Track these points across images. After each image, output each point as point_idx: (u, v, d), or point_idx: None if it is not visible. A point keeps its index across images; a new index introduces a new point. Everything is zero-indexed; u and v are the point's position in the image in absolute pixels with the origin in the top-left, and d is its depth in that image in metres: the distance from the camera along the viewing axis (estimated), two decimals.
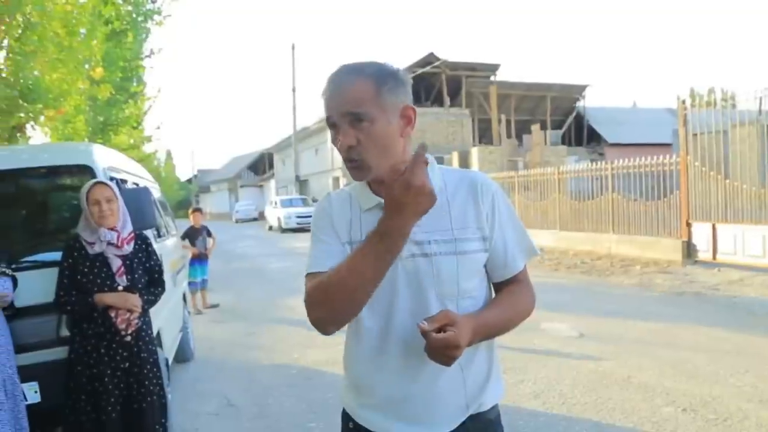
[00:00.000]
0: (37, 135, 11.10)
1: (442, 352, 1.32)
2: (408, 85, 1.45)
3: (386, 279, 1.44)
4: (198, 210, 9.66)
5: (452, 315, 1.35)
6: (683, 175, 11.45)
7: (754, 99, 10.42)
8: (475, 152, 23.16)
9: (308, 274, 1.47)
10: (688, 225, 11.33)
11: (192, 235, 9.04)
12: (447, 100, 31.80)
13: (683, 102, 11.54)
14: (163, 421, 3.44)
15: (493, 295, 1.60)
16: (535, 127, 23.82)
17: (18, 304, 3.32)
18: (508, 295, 1.56)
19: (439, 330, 1.31)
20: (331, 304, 1.38)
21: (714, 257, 10.78)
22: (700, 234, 11.11)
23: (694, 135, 11.30)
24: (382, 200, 1.45)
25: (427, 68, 29.68)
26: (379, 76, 1.40)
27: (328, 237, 1.50)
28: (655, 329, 6.69)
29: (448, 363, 1.34)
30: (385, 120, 1.39)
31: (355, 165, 1.41)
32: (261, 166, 57.14)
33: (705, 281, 9.62)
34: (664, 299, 8.51)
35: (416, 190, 1.21)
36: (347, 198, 1.55)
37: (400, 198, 1.23)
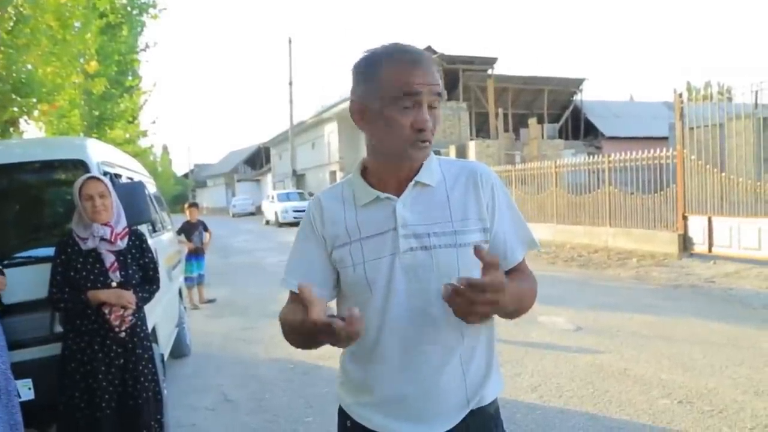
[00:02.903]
0: (32, 130, 11.05)
1: (482, 300, 1.18)
2: None
3: (382, 275, 1.43)
4: (194, 205, 9.62)
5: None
6: (679, 168, 11.45)
7: (750, 92, 10.43)
8: (472, 146, 23.16)
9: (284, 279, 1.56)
10: (684, 218, 11.34)
11: (188, 230, 9.02)
12: (444, 93, 31.71)
13: (680, 95, 11.52)
14: (159, 417, 3.43)
15: None
16: (532, 121, 23.82)
17: (11, 300, 3.30)
18: (514, 275, 1.48)
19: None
20: (290, 342, 1.47)
21: (710, 250, 10.80)
22: (696, 227, 11.13)
23: (691, 129, 11.29)
24: (381, 194, 1.45)
25: None
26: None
27: (307, 246, 1.53)
28: (652, 322, 6.70)
29: (486, 314, 1.23)
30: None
31: (426, 145, 1.43)
32: (258, 160, 57.07)
33: (701, 274, 9.64)
34: (661, 292, 8.52)
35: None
36: (339, 195, 1.51)
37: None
